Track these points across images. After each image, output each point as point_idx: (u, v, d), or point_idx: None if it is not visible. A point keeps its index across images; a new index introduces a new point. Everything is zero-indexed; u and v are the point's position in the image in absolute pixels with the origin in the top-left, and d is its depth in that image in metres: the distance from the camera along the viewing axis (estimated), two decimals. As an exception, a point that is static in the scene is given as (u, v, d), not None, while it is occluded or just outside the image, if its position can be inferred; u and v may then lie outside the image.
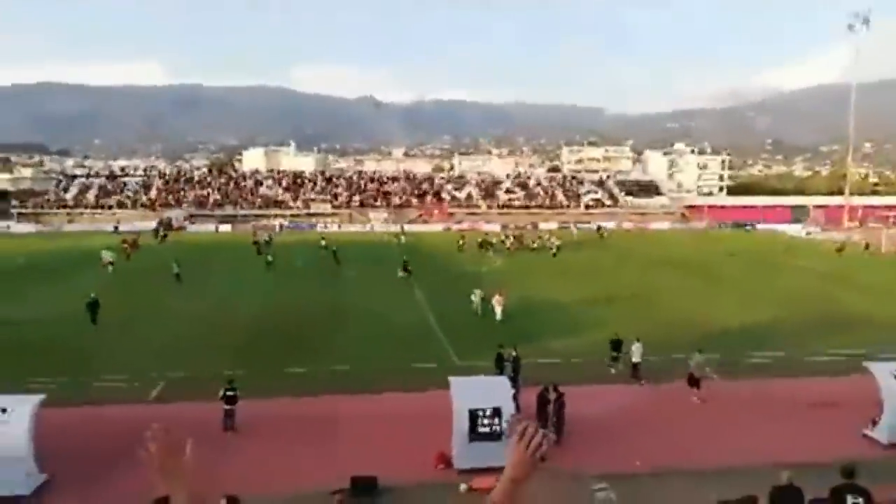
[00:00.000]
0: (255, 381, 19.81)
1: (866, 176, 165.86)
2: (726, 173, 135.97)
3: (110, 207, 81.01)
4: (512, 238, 57.82)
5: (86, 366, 22.01)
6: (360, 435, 16.52)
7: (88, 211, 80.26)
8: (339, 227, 78.30)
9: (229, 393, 16.79)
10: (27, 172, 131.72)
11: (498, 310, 28.21)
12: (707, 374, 19.81)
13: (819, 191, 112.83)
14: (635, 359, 21.43)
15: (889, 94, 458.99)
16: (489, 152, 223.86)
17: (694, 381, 19.25)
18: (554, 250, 51.98)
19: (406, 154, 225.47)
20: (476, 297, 30.51)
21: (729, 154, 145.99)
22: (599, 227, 71.31)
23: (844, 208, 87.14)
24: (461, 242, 56.10)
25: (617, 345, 22.14)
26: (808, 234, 72.87)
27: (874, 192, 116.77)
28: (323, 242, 54.56)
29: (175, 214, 78.10)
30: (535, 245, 55.64)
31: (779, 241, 65.54)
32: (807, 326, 28.41)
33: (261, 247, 52.74)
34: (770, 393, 19.54)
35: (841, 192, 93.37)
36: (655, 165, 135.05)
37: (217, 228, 76.57)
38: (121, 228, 68.38)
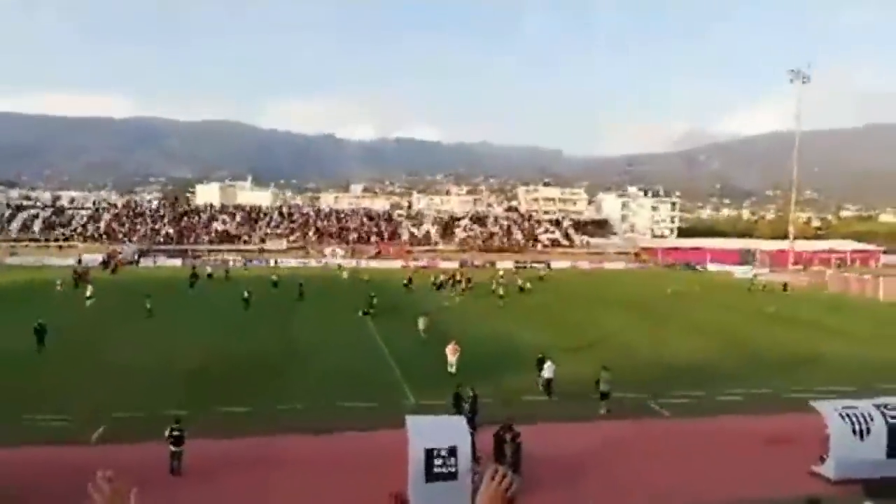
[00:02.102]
0: (203, 420, 19.17)
1: (809, 220, 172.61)
2: (677, 216, 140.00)
3: (56, 240, 78.51)
4: (462, 279, 56.30)
5: (19, 403, 20.96)
6: (315, 476, 16.07)
7: (33, 244, 77.59)
8: (287, 263, 77.36)
9: (175, 433, 16.12)
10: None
11: (452, 360, 26.20)
12: (610, 389, 21.70)
13: (765, 234, 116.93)
14: (547, 375, 23.40)
15: (833, 141, 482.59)
16: (448, 192, 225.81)
17: (604, 396, 21.56)
18: (501, 292, 49.42)
19: (365, 190, 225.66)
20: (422, 323, 33.31)
21: (679, 197, 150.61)
22: (541, 277, 67.17)
23: (789, 252, 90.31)
24: (408, 282, 54.74)
25: (540, 362, 24.10)
26: (756, 276, 75.12)
27: (817, 237, 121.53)
28: (274, 278, 54.06)
29: (125, 248, 76.19)
30: (495, 288, 50.82)
31: (727, 282, 67.32)
32: (752, 364, 29.08)
33: (194, 281, 54.35)
34: (718, 431, 19.82)
35: (786, 236, 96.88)
36: (609, 207, 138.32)
37: (154, 262, 75.13)
38: (70, 262, 66.36)
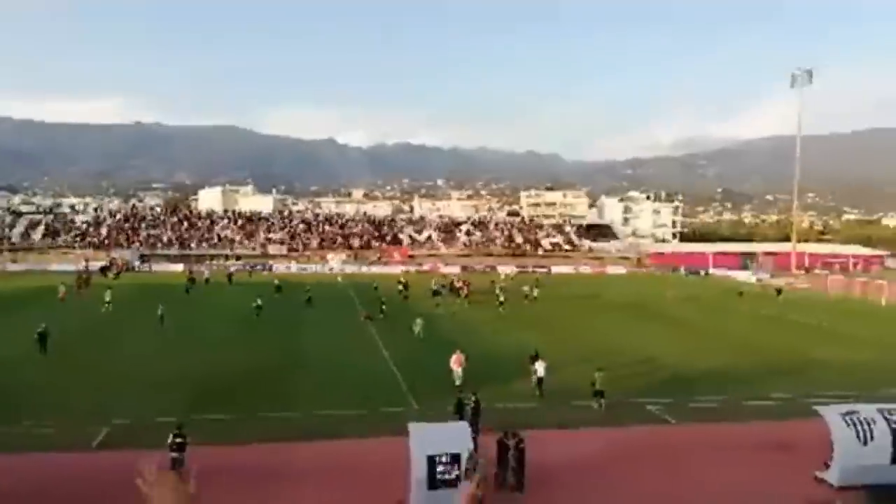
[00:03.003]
0: (206, 427, 19.13)
1: (811, 224, 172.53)
2: (679, 220, 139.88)
3: (58, 247, 78.53)
4: (463, 286, 54.15)
5: (23, 410, 20.93)
6: (317, 484, 16.01)
7: (35, 250, 77.63)
8: (289, 267, 77.37)
9: (178, 440, 16.07)
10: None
11: (458, 371, 24.89)
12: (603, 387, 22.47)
13: (766, 238, 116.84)
14: (540, 373, 24.05)
15: (834, 145, 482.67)
16: (449, 196, 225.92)
17: (598, 393, 22.33)
18: (501, 299, 47.27)
19: (366, 195, 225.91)
20: (417, 326, 34.89)
21: (682, 201, 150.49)
22: (537, 280, 63.91)
23: (792, 255, 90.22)
24: (402, 290, 52.13)
25: (533, 360, 24.73)
26: (758, 280, 75.00)
27: (819, 240, 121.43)
28: (276, 282, 54.13)
29: (126, 254, 76.28)
30: (499, 294, 48.41)
31: (729, 286, 67.14)
32: (756, 369, 28.97)
33: (191, 286, 54.40)
34: (721, 436, 19.77)
35: (788, 240, 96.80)
36: (611, 211, 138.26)
37: (150, 268, 75.18)
38: (71, 268, 66.56)
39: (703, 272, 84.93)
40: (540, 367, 24.11)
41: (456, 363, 25.07)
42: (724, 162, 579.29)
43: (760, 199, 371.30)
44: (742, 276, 78.41)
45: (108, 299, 42.87)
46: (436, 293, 50.91)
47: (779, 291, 58.97)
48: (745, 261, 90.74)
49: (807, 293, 64.31)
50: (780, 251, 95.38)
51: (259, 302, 41.88)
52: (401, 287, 53.24)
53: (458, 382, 24.18)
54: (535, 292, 52.33)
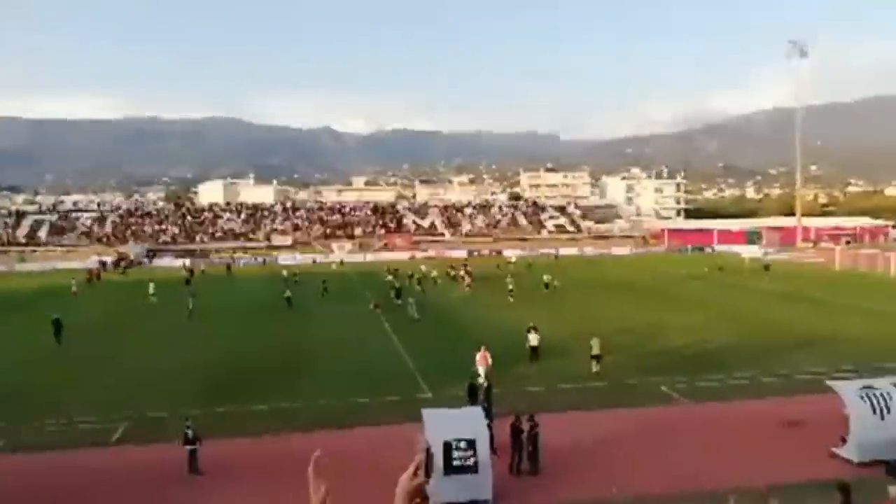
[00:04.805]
0: (222, 419, 19.24)
1: (815, 197, 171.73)
2: (682, 197, 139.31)
3: (63, 245, 78.72)
4: (463, 272, 51.94)
5: (42, 408, 21.06)
6: (331, 472, 16.02)
7: (42, 248, 77.83)
8: (295, 258, 77.24)
9: (188, 434, 16.18)
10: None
11: (482, 370, 22.78)
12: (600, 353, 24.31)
13: (771, 213, 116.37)
14: (532, 343, 26.14)
15: (835, 116, 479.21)
16: (450, 181, 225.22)
17: (595, 358, 24.27)
18: (510, 287, 44.70)
19: (367, 183, 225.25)
20: (411, 308, 36.73)
21: (683, 178, 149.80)
22: (529, 265, 64.24)
23: (798, 229, 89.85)
24: (391, 278, 49.52)
25: (529, 330, 26.55)
26: (766, 254, 74.73)
27: (824, 213, 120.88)
28: (284, 273, 54.15)
29: (132, 249, 76.46)
30: (509, 283, 45.66)
31: (739, 262, 66.90)
32: (765, 346, 28.91)
33: (190, 279, 54.89)
34: (735, 414, 19.74)
35: (792, 214, 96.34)
36: (613, 190, 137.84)
37: (150, 262, 75.09)
38: (89, 264, 67.27)
39: (709, 249, 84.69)
40: (533, 338, 26.23)
41: (481, 361, 23.37)
42: (725, 136, 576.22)
43: (763, 174, 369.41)
44: (750, 251, 77.90)
45: (152, 292, 44.49)
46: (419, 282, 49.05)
47: (766, 267, 58.12)
48: (752, 236, 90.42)
49: (812, 267, 64.15)
50: (785, 226, 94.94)
51: (288, 293, 42.21)
52: (389, 275, 51.39)
53: (482, 381, 21.55)
54: (556, 281, 47.99)
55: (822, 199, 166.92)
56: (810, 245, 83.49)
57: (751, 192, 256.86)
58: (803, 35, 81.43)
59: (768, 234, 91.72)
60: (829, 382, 17.56)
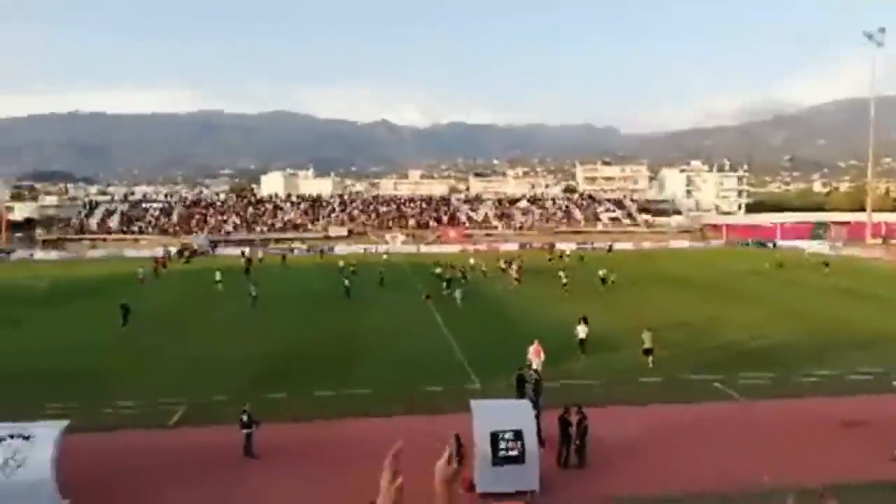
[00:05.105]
0: (276, 405, 19.86)
1: (887, 191, 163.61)
2: (745, 190, 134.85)
3: (133, 233, 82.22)
4: (515, 266, 50.22)
5: (108, 390, 22.14)
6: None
7: (112, 237, 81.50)
8: (362, 249, 78.22)
9: (244, 418, 16.78)
10: (52, 200, 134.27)
11: (536, 363, 22.18)
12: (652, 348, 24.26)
13: (839, 207, 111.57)
14: (580, 335, 25.90)
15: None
16: (504, 174, 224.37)
17: (647, 352, 24.20)
18: (564, 280, 43.82)
19: (423, 176, 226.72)
20: (458, 294, 38.63)
21: (746, 171, 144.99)
22: (582, 257, 64.69)
23: (867, 225, 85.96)
24: (439, 272, 48.75)
25: (580, 321, 26.40)
26: (831, 249, 71.83)
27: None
28: (341, 263, 55.04)
29: (196, 239, 79.22)
30: (562, 276, 44.45)
31: (799, 257, 64.57)
32: (825, 344, 27.91)
33: (248, 268, 56.16)
34: (792, 413, 19.17)
35: (862, 209, 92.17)
36: (672, 184, 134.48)
37: (213, 252, 77.30)
38: (156, 252, 70.42)
39: (770, 244, 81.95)
40: (581, 331, 25.93)
41: (535, 355, 22.81)
42: (793, 128, 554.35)
43: (831, 167, 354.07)
44: (814, 246, 74.91)
45: (218, 279, 46.34)
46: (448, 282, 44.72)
47: (826, 264, 54.88)
48: (817, 231, 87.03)
49: (879, 264, 61.37)
50: (853, 221, 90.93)
51: (347, 283, 43.05)
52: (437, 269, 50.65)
53: (536, 377, 20.56)
54: (613, 276, 45.99)
55: (895, 194, 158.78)
56: (879, 241, 79.76)
57: (818, 186, 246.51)
58: (880, 22, 77.34)
59: (835, 228, 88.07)
60: (895, 383, 16.90)
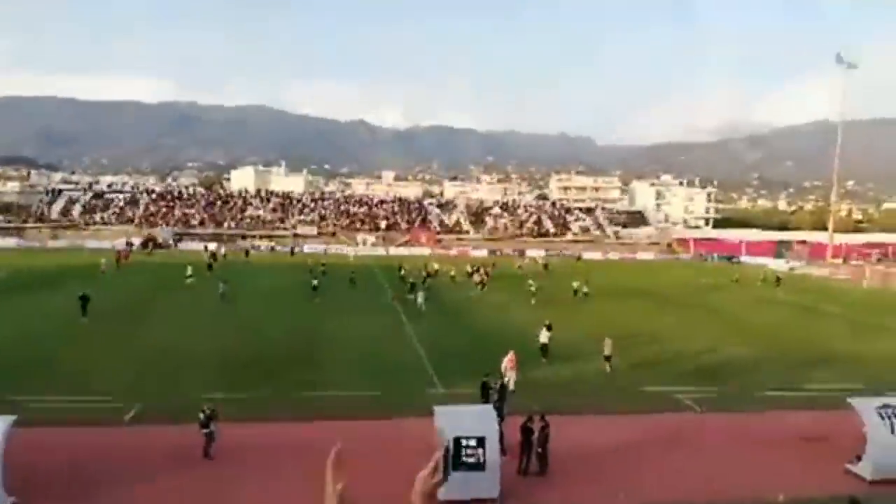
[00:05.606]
0: (240, 404, 19.48)
1: (850, 213, 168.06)
2: (713, 206, 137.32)
3: (95, 223, 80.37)
4: (482, 272, 50.58)
5: (62, 383, 21.54)
6: (350, 466, 16.16)
7: (74, 226, 79.54)
8: (325, 249, 77.67)
9: (202, 417, 16.38)
10: (13, 186, 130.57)
11: (510, 375, 21.96)
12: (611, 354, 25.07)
13: (803, 226, 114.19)
14: (542, 340, 26.42)
15: (876, 132, 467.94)
16: (478, 179, 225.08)
17: (607, 359, 25.11)
18: (533, 289, 43.55)
19: (396, 178, 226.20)
20: (420, 297, 38.29)
21: (715, 187, 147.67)
22: (546, 266, 64.81)
23: (828, 245, 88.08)
24: (403, 274, 49.53)
25: (549, 327, 26.97)
26: (792, 269, 73.47)
27: (857, 230, 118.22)
28: (310, 262, 54.59)
29: (161, 232, 77.80)
30: (531, 285, 44.44)
31: (763, 274, 65.94)
32: (784, 360, 28.48)
33: (212, 264, 55.33)
34: (750, 426, 19.48)
35: (825, 228, 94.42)
36: (643, 196, 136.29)
37: (176, 246, 76.01)
38: (117, 244, 68.96)
39: (735, 259, 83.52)
40: (544, 336, 26.51)
41: (509, 365, 22.33)
42: (766, 148, 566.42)
43: (797, 187, 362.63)
44: (776, 264, 76.75)
45: (189, 273, 46.35)
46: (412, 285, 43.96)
47: (777, 280, 57.48)
48: (780, 249, 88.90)
49: (839, 283, 62.92)
50: (815, 240, 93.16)
51: (315, 283, 42.69)
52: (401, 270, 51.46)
53: (511, 388, 21.01)
54: (586, 288, 45.47)
55: (857, 215, 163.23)
56: (840, 261, 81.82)
57: (783, 205, 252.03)
58: (850, 47, 79.57)
59: (797, 247, 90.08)
60: (848, 399, 17.25)
